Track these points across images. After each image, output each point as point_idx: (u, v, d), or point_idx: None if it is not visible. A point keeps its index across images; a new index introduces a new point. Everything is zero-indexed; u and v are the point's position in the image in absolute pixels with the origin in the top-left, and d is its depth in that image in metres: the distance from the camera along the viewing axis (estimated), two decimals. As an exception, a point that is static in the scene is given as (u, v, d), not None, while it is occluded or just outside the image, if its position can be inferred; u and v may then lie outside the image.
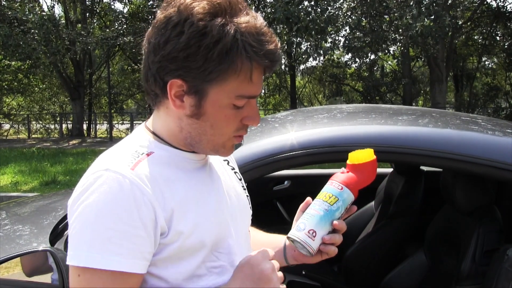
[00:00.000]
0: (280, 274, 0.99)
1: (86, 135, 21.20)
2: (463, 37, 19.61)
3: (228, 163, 1.17)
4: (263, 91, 25.78)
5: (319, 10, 11.85)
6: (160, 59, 0.89)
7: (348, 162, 1.13)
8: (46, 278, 1.62)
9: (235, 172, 1.18)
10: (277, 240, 1.23)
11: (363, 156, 1.12)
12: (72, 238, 0.86)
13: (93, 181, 0.87)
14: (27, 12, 14.24)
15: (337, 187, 1.09)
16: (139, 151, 0.93)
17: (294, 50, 16.73)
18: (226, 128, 0.94)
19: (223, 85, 0.89)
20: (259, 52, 0.87)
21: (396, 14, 12.28)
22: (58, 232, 2.00)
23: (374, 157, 1.12)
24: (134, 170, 0.88)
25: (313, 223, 1.06)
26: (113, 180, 0.86)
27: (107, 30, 15.31)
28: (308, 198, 1.15)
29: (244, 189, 1.17)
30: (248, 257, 0.99)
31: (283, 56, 19.53)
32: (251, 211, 1.16)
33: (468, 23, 18.52)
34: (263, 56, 0.88)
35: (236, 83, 0.89)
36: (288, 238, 1.09)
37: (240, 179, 1.18)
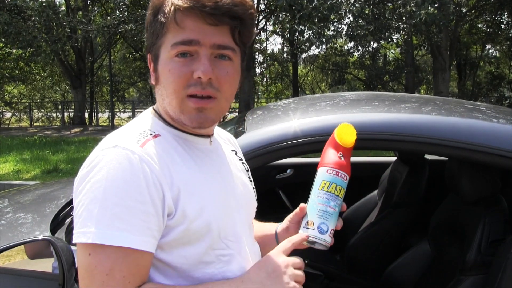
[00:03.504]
0: (299, 272, 0.96)
1: (87, 124, 21.18)
2: (467, 25, 19.45)
3: (236, 154, 1.16)
4: (265, 79, 25.73)
5: (322, -3, 11.73)
6: (147, 37, 1.00)
7: (341, 143, 1.10)
8: (47, 267, 1.60)
9: (243, 163, 1.17)
10: (268, 228, 1.23)
11: (350, 133, 1.10)
12: (79, 215, 0.85)
13: (101, 157, 0.86)
14: (27, -1, 14.14)
15: (343, 178, 1.07)
16: (147, 131, 0.94)
17: (296, 38, 16.62)
18: (173, 84, 0.93)
19: (164, 41, 0.93)
20: None
21: (399, 2, 12.16)
22: (59, 221, 1.99)
23: (355, 131, 1.12)
24: (143, 147, 0.88)
25: (333, 222, 1.05)
26: (123, 156, 0.85)
27: (108, 17, 15.18)
28: (302, 205, 1.12)
29: (251, 180, 1.16)
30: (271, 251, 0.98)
31: (285, 44, 19.45)
32: (256, 204, 1.16)
33: (473, 11, 18.35)
34: (185, 1, 0.89)
35: (170, 35, 0.92)
36: (309, 241, 1.04)
37: (247, 171, 1.18)
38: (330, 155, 1.09)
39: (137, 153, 0.86)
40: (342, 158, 1.08)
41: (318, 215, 1.05)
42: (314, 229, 1.05)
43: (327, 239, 1.03)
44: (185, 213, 0.89)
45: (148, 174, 0.85)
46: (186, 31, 0.91)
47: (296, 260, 0.97)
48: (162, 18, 0.91)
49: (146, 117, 1.00)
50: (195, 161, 0.96)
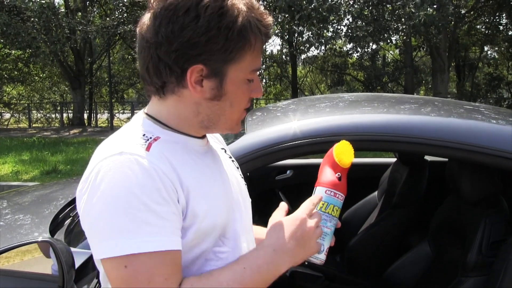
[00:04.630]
0: (319, 230, 1.00)
1: (86, 124, 21.17)
2: (466, 26, 19.47)
3: (225, 152, 1.16)
4: (264, 80, 25.75)
5: (321, -2, 11.74)
6: (178, 47, 0.88)
7: (340, 164, 1.10)
8: (46, 268, 1.60)
9: (233, 161, 1.18)
10: (260, 232, 1.22)
11: (349, 152, 1.11)
12: (100, 229, 0.82)
13: (109, 166, 0.84)
14: (26, 0, 14.14)
15: (340, 199, 1.08)
16: (147, 135, 0.92)
17: (295, 39, 16.62)
18: (242, 104, 0.97)
19: (240, 63, 0.91)
20: (264, 25, 0.92)
21: (398, 3, 12.17)
22: (58, 222, 1.99)
23: (353, 149, 1.12)
24: (150, 151, 0.87)
25: (328, 241, 1.06)
26: (132, 162, 0.84)
27: (108, 18, 15.21)
28: (283, 206, 1.13)
29: (242, 177, 1.17)
30: (293, 214, 1.00)
31: (284, 45, 19.47)
32: (250, 199, 1.17)
33: (471, 12, 18.38)
34: (265, 29, 0.92)
35: (251, 58, 0.92)
36: (309, 262, 1.06)
37: (238, 168, 1.18)
38: (328, 174, 1.09)
39: (146, 157, 0.85)
40: (340, 179, 1.08)
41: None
42: None
43: (322, 258, 1.05)
44: (195, 214, 0.90)
45: (162, 176, 0.85)
46: (259, 58, 0.96)
47: (316, 218, 1.00)
48: (249, 41, 0.90)
49: (140, 121, 0.98)
50: (196, 162, 0.96)
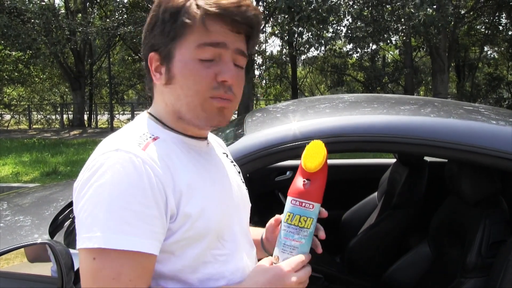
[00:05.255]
0: (302, 285, 0.98)
1: (87, 126, 21.18)
2: (465, 27, 19.48)
3: (227, 156, 1.17)
4: (263, 81, 25.73)
5: (320, -1, 11.75)
6: (143, 42, 0.99)
7: (305, 168, 1.03)
8: (46, 270, 1.60)
9: (234, 165, 1.18)
10: (255, 233, 1.24)
11: (317, 154, 1.02)
12: (82, 221, 0.84)
13: (103, 161, 0.85)
14: (26, 2, 14.16)
15: (308, 208, 1.00)
16: (146, 134, 0.94)
17: (295, 40, 16.63)
18: (196, 86, 0.93)
19: (183, 41, 0.93)
20: (209, 2, 0.91)
21: (398, 4, 12.18)
22: (58, 223, 1.99)
23: (325, 150, 1.03)
24: (146, 150, 0.88)
25: (299, 254, 1.00)
26: (126, 160, 0.85)
27: (108, 20, 15.21)
28: (277, 217, 1.14)
29: (243, 182, 1.17)
30: (276, 266, 0.99)
31: (284, 46, 19.46)
32: (250, 204, 1.17)
33: (471, 13, 18.38)
34: (214, 5, 0.91)
35: (193, 36, 0.92)
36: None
37: (239, 172, 1.19)
38: (296, 182, 1.03)
39: (140, 156, 0.86)
40: (308, 185, 1.01)
41: (283, 250, 1.02)
42: (276, 258, 1.03)
43: None
44: (187, 215, 0.90)
45: (152, 178, 0.85)
46: (213, 35, 0.92)
47: (301, 274, 0.98)
48: (187, 20, 0.91)
49: (143, 120, 1.00)
50: (194, 163, 0.97)
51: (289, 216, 1.01)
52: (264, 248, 1.21)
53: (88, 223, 0.83)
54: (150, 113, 1.01)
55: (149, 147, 0.90)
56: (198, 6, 0.91)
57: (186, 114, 0.96)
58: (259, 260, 1.08)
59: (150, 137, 0.93)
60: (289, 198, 1.03)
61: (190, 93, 0.94)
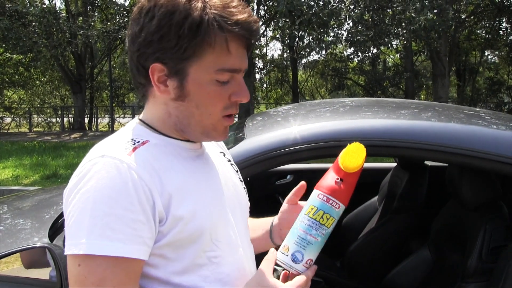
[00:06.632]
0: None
1: (87, 129, 21.18)
2: (466, 31, 19.51)
3: (224, 155, 1.16)
4: (264, 84, 25.76)
5: (321, 3, 11.77)
6: (138, 47, 0.91)
7: (342, 167, 0.99)
8: (44, 275, 1.59)
9: (232, 164, 1.18)
10: (264, 223, 1.24)
11: (357, 156, 0.99)
12: (70, 227, 0.84)
13: (89, 167, 0.86)
14: (27, 5, 14.19)
15: (334, 206, 0.97)
16: (135, 139, 0.93)
17: (296, 43, 16.66)
18: (212, 107, 0.93)
19: (201, 61, 0.90)
20: (230, 22, 0.88)
21: (399, 8, 12.21)
22: (58, 227, 1.98)
23: (365, 154, 1.00)
24: (131, 155, 0.88)
25: (312, 253, 0.97)
26: (111, 165, 0.85)
27: (109, 23, 15.25)
28: (303, 183, 1.14)
29: (241, 181, 1.17)
30: (265, 280, 0.96)
31: (285, 50, 19.50)
32: (249, 203, 1.16)
33: (471, 17, 18.41)
34: (235, 26, 0.88)
35: (213, 57, 0.90)
36: (277, 265, 0.98)
37: (237, 171, 1.18)
38: (328, 177, 1.00)
39: (125, 162, 0.86)
40: (340, 184, 0.97)
41: (296, 242, 0.97)
42: (287, 255, 0.98)
43: (299, 269, 0.96)
44: (178, 218, 0.89)
45: (137, 182, 0.85)
46: (236, 59, 0.92)
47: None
48: (208, 39, 0.87)
49: (132, 126, 0.99)
50: (185, 166, 0.96)
51: (311, 209, 0.97)
52: (273, 240, 1.20)
53: (74, 229, 0.83)
54: (141, 120, 1.01)
55: (136, 152, 0.89)
56: (219, 24, 0.87)
57: (193, 130, 0.96)
58: (263, 254, 1.06)
59: (139, 141, 0.93)
60: (316, 192, 0.99)
61: (206, 113, 0.94)
